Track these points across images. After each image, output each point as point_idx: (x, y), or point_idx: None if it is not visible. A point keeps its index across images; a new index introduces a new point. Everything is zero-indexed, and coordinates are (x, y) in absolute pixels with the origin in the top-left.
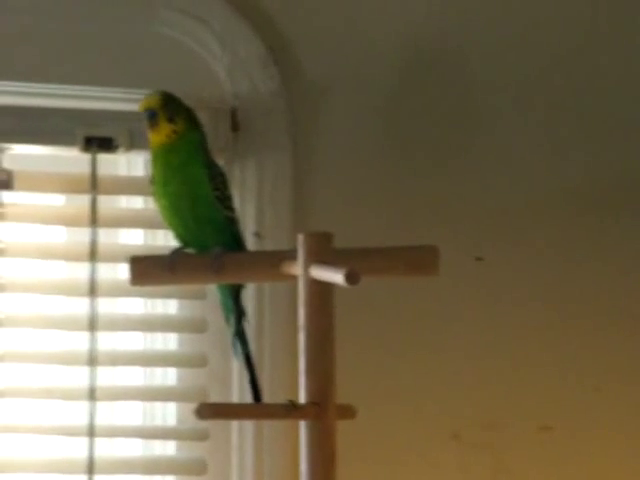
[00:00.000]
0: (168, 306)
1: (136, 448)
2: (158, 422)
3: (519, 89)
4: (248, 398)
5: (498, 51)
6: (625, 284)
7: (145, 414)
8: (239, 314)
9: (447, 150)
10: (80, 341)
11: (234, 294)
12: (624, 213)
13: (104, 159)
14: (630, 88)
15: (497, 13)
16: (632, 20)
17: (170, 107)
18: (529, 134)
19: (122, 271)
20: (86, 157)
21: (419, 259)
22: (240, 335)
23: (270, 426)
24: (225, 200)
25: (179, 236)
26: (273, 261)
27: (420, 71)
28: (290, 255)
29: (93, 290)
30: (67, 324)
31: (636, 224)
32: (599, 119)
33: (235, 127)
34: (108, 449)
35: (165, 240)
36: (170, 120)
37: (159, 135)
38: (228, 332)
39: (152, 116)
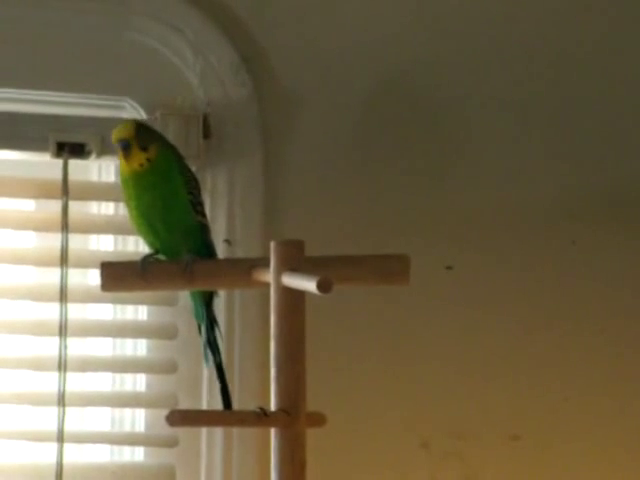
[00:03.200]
0: (138, 312)
1: (105, 454)
2: (127, 428)
3: (491, 101)
4: (218, 405)
5: (472, 67)
6: (594, 294)
7: (114, 420)
8: (211, 322)
9: (418, 160)
10: (50, 346)
11: (206, 302)
12: (595, 223)
13: (76, 165)
14: (614, 101)
15: (473, 27)
16: (623, 30)
17: (142, 136)
18: (499, 145)
19: (93, 277)
20: (58, 163)
21: (390, 268)
22: (211, 344)
23: (239, 433)
24: (197, 205)
25: (149, 243)
26: (245, 268)
27: (394, 81)
28: (262, 262)
29: (63, 295)
30: (37, 329)
31: (606, 233)
32: (568, 132)
33: (207, 134)
34: (77, 455)
35: (136, 246)
36: (143, 149)
37: (132, 164)
38: (199, 340)
39: (125, 147)
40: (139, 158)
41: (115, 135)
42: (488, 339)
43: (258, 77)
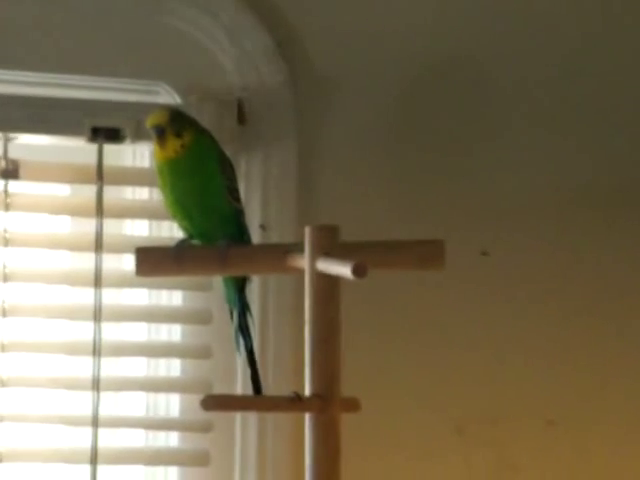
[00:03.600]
0: (173, 297)
1: (139, 439)
2: (162, 413)
3: (527, 89)
4: (251, 390)
5: (508, 52)
6: (634, 279)
7: (149, 405)
8: (243, 308)
9: (455, 145)
10: (85, 331)
11: (239, 288)
12: (631, 211)
13: (110, 150)
14: (637, 91)
15: (509, 16)
16: None
17: (177, 122)
18: (536, 129)
19: (127, 262)
20: (93, 147)
21: (425, 253)
22: (243, 329)
23: (273, 418)
24: (233, 191)
25: (184, 228)
26: (279, 254)
27: (430, 67)
28: (296, 248)
29: (98, 280)
30: (72, 314)
31: None
32: (605, 119)
33: (242, 120)
34: (112, 439)
35: (170, 231)
36: (178, 135)
37: (167, 150)
38: (232, 326)
39: (160, 132)
40: (174, 144)
41: (150, 121)
42: (523, 324)
43: (293, 62)
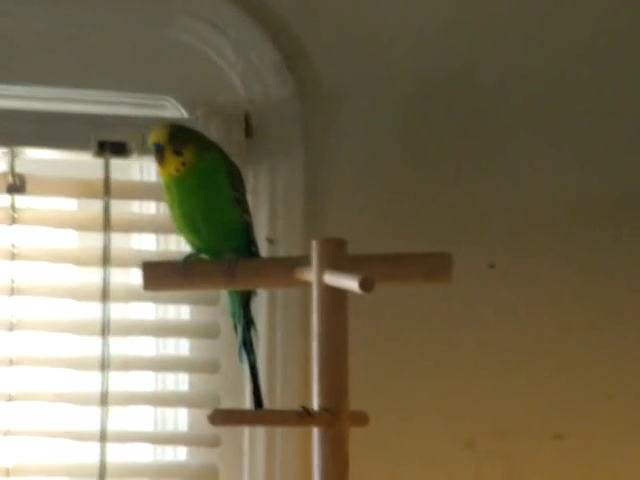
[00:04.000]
0: (180, 311)
1: (147, 453)
2: (170, 428)
3: (533, 99)
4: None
5: (514, 64)
6: (638, 292)
7: (157, 419)
8: (247, 322)
9: (461, 159)
10: (92, 346)
11: (244, 302)
12: (637, 223)
13: (117, 164)
14: None
15: (512, 23)
16: None
17: (177, 139)
18: (544, 143)
19: (135, 276)
20: (99, 162)
21: (432, 266)
22: (247, 344)
23: (282, 433)
24: (243, 203)
25: (191, 243)
26: (287, 267)
27: (436, 81)
28: (304, 261)
29: (105, 295)
30: (79, 329)
31: None
32: (612, 132)
33: (249, 133)
34: (119, 454)
35: (178, 245)
36: (177, 153)
37: (166, 169)
38: (236, 340)
39: (159, 150)
40: (174, 163)
41: (150, 139)
42: (531, 338)
43: (300, 76)
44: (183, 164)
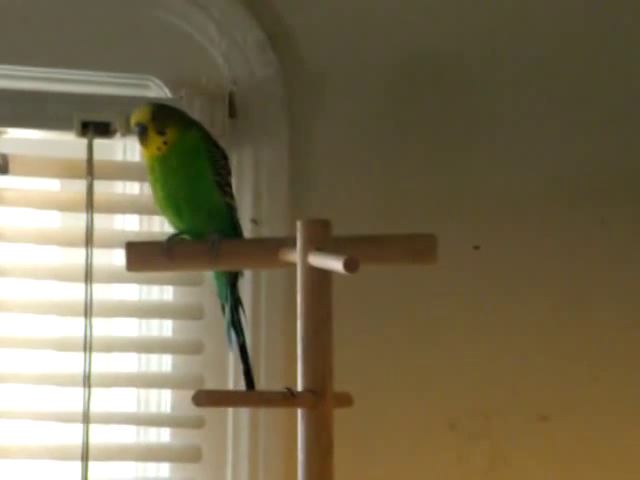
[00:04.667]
0: (164, 292)
1: (131, 435)
2: (153, 409)
3: (517, 80)
4: (244, 386)
5: (496, 46)
6: (624, 273)
7: (140, 401)
8: (235, 303)
9: (445, 139)
10: (75, 327)
11: (230, 283)
12: (624, 201)
13: (100, 144)
14: (629, 82)
15: (497, 12)
16: (632, 16)
17: (160, 119)
18: (527, 123)
19: (118, 257)
20: (82, 142)
21: (417, 247)
22: (235, 325)
23: (265, 414)
24: (225, 186)
25: (175, 225)
26: (271, 248)
27: (419, 60)
28: (288, 242)
29: (89, 276)
30: (62, 310)
31: (636, 212)
32: (597, 111)
33: (232, 113)
34: (103, 436)
35: (161, 226)
36: (160, 133)
37: (149, 148)
38: (223, 321)
39: (142, 131)
40: (156, 142)
41: (133, 119)
42: (516, 319)
43: (284, 56)
44: (165, 143)
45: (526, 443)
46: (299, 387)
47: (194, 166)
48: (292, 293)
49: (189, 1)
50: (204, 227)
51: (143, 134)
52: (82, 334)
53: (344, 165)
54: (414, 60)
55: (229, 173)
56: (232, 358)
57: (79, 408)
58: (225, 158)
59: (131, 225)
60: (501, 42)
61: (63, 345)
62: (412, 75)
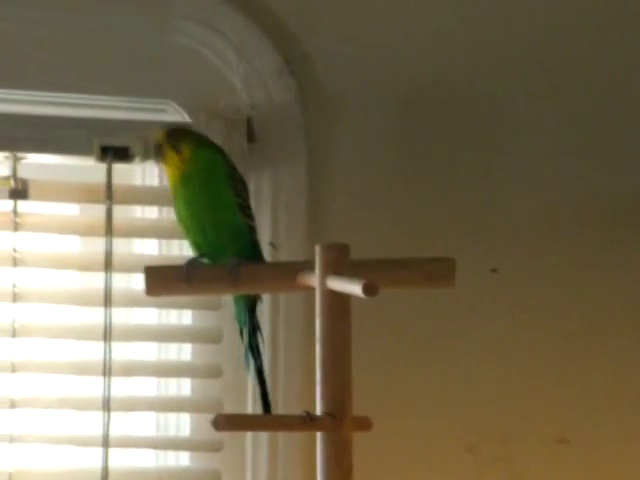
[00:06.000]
0: (183, 316)
1: (150, 459)
2: (172, 433)
3: (533, 105)
4: (261, 410)
5: (512, 68)
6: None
7: (159, 425)
8: (253, 327)
9: (462, 163)
10: (95, 351)
11: (249, 307)
12: (638, 228)
13: (119, 169)
14: None
15: (512, 32)
16: None
17: (174, 138)
18: (544, 146)
19: (137, 281)
20: (102, 167)
21: (435, 271)
22: (253, 349)
23: (284, 437)
24: (245, 208)
25: (195, 245)
26: (290, 272)
27: (436, 83)
28: (307, 266)
29: (108, 300)
30: (82, 334)
31: None
32: (614, 135)
33: (251, 138)
34: (122, 460)
35: (180, 250)
36: (175, 149)
37: (170, 167)
38: (242, 345)
39: (157, 149)
40: (174, 160)
41: (152, 140)
42: (534, 342)
43: (302, 80)
44: (183, 161)
45: (544, 466)
46: (318, 411)
47: (214, 183)
48: (310, 317)
49: (208, 26)
50: (226, 248)
51: (160, 154)
52: (101, 358)
53: (362, 189)
54: (431, 84)
55: (248, 196)
56: (251, 382)
57: (98, 432)
58: (243, 182)
59: (150, 249)
60: (517, 66)
61: (83, 369)
62: (429, 99)
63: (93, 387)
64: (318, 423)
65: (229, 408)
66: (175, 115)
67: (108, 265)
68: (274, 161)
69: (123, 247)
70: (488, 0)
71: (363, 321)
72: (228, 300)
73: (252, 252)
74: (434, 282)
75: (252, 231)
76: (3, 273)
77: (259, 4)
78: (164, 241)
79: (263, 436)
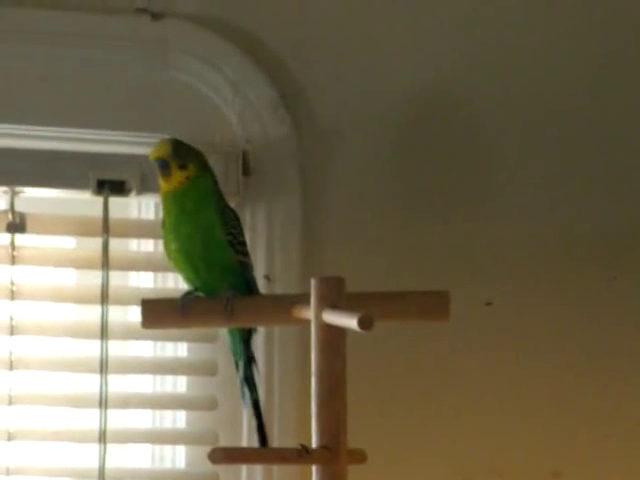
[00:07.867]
0: (178, 349)
1: None
2: (168, 465)
3: (529, 138)
4: (257, 442)
5: (507, 101)
6: (635, 332)
7: (154, 457)
8: (248, 360)
9: (457, 196)
10: (91, 383)
11: (244, 339)
12: (636, 258)
13: (116, 202)
14: None
15: (506, 63)
16: None
17: (181, 154)
18: (539, 181)
19: (133, 314)
20: (98, 200)
21: (430, 304)
22: (248, 381)
23: (279, 470)
24: (238, 245)
25: (189, 280)
26: (285, 305)
27: (430, 119)
28: (302, 299)
29: (104, 333)
30: (78, 366)
31: None
32: (609, 169)
33: (246, 171)
34: None
35: (176, 283)
36: (182, 167)
37: (171, 183)
38: (237, 377)
39: (164, 165)
40: (178, 176)
41: (153, 154)
42: (528, 376)
43: (297, 114)
44: (187, 178)
45: None
46: (313, 444)
47: (207, 213)
48: (305, 350)
49: (203, 61)
50: (218, 284)
51: (165, 168)
52: (97, 390)
53: (357, 222)
54: (426, 117)
55: (241, 232)
56: (246, 414)
57: (94, 464)
58: (237, 219)
59: (146, 282)
60: (514, 96)
61: (79, 401)
62: (424, 132)
63: (89, 419)
64: (313, 456)
65: (224, 440)
66: None
67: (104, 298)
68: (269, 194)
69: (119, 280)
70: (484, 35)
71: (358, 354)
72: (223, 332)
73: (246, 288)
74: (429, 315)
75: (245, 267)
76: (0, 306)
77: (254, 40)
78: (160, 274)
79: (258, 469)
